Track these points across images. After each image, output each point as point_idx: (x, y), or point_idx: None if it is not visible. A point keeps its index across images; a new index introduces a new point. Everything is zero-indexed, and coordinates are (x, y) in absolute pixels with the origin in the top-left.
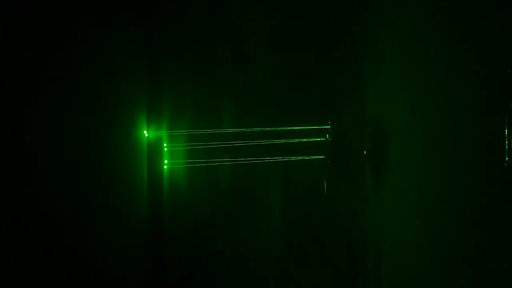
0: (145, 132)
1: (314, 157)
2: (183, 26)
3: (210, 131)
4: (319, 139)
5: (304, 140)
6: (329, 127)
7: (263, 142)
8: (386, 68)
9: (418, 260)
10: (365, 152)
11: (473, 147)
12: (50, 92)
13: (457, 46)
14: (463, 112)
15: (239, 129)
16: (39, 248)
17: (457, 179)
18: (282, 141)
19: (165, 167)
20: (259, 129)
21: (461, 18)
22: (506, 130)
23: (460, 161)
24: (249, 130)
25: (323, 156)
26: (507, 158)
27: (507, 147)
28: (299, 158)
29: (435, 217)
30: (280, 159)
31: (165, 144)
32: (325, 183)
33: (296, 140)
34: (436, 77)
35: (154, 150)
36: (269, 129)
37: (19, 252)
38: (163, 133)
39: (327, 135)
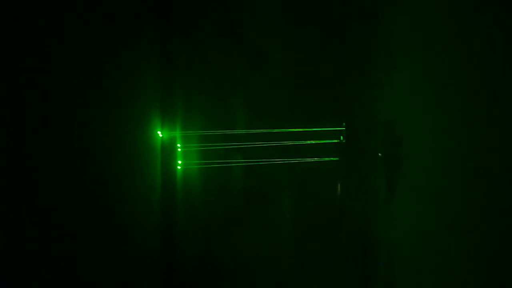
0: (159, 132)
1: (328, 159)
2: (196, 27)
3: (223, 132)
4: (333, 140)
5: (318, 142)
6: (344, 128)
7: (277, 143)
8: (401, 69)
9: (432, 262)
10: (380, 154)
11: (488, 149)
12: (65, 92)
13: (473, 46)
14: (479, 113)
15: (252, 130)
16: (50, 246)
17: (472, 181)
18: (296, 142)
19: (179, 167)
20: (272, 130)
21: (476, 18)
22: None
23: (475, 162)
24: (262, 131)
25: (337, 158)
26: None
27: None
28: (313, 160)
29: (449, 220)
30: (293, 160)
31: (179, 145)
32: (339, 184)
33: (310, 141)
34: (451, 77)
35: (168, 150)
36: (282, 130)
37: (29, 251)
38: (177, 133)
39: (341, 137)
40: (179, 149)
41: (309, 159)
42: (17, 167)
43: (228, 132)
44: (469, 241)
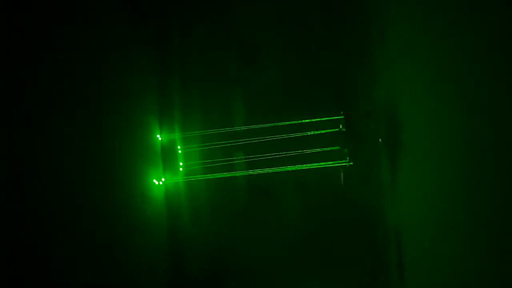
0: (158, 136)
1: (329, 148)
2: (191, 29)
3: (223, 130)
4: (333, 130)
5: (318, 132)
6: (342, 117)
7: (277, 137)
8: (398, 55)
9: (439, 245)
10: (380, 140)
11: (488, 130)
12: (64, 97)
13: (473, 31)
14: (479, 99)
15: (252, 126)
16: (53, 249)
17: (474, 165)
18: (296, 134)
19: (181, 169)
20: (271, 124)
21: (477, 5)
22: None
23: (475, 145)
24: (261, 126)
25: (338, 147)
26: None
27: None
28: (314, 150)
29: (453, 203)
30: (294, 153)
31: (179, 146)
32: (342, 172)
33: (310, 132)
34: (450, 62)
35: (168, 153)
36: (281, 124)
37: (31, 262)
38: (176, 135)
39: (341, 126)
40: (179, 151)
41: (310, 150)
42: (15, 169)
43: (228, 130)
44: (476, 223)
